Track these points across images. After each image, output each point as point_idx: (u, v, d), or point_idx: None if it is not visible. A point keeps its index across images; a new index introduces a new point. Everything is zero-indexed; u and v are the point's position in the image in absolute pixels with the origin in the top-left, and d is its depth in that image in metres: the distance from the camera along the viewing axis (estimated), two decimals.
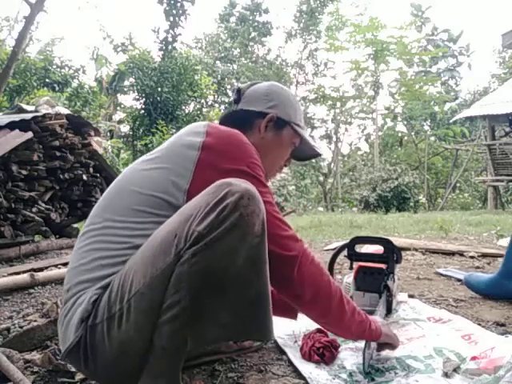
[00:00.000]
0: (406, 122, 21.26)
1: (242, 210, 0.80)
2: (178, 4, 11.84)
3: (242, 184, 0.83)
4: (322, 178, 19.85)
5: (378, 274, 1.62)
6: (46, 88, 10.66)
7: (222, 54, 20.61)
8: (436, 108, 21.05)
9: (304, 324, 1.40)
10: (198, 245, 0.79)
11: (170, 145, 1.04)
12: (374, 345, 1.18)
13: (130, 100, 19.30)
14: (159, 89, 11.96)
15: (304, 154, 1.32)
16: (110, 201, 1.02)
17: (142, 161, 1.07)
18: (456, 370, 1.15)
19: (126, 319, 0.83)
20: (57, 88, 11.03)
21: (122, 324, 0.83)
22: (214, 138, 1.01)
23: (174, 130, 10.99)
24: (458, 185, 18.56)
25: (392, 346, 1.19)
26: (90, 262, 0.93)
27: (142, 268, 0.83)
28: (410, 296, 1.92)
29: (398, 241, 3.38)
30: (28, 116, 3.31)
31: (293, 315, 1.28)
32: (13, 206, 3.12)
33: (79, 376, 1.14)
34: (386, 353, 1.23)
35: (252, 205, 0.82)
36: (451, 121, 16.83)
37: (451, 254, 3.10)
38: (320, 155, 1.33)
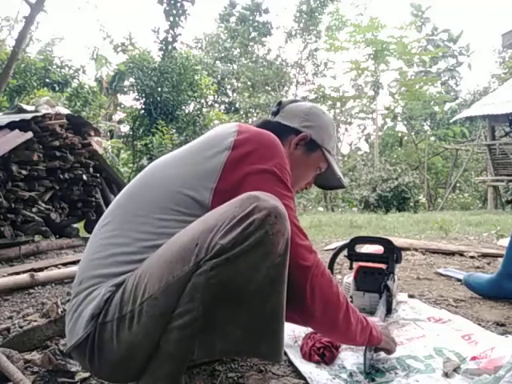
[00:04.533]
0: (406, 122, 21.25)
1: (268, 228, 0.78)
2: (178, 4, 11.82)
3: (270, 200, 0.82)
4: None
5: (378, 274, 1.62)
6: (46, 88, 10.65)
7: (222, 54, 20.60)
8: (436, 108, 21.04)
9: None
10: (218, 258, 0.77)
11: (201, 143, 1.03)
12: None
13: (130, 100, 19.29)
14: (159, 89, 11.95)
15: (328, 182, 1.32)
16: (133, 194, 1.00)
17: (169, 156, 1.06)
18: (456, 369, 1.15)
19: (137, 322, 0.82)
20: (57, 88, 11.02)
21: (132, 326, 0.83)
22: (245, 136, 0.99)
23: (173, 130, 11.00)
24: (457, 185, 18.55)
25: (388, 351, 1.19)
26: (106, 256, 0.91)
27: (159, 272, 0.82)
28: (410, 296, 1.92)
29: (397, 241, 3.38)
30: (28, 116, 3.30)
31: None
32: (13, 205, 3.11)
33: (79, 376, 1.14)
34: (384, 354, 1.23)
35: (278, 223, 0.80)
36: (451, 121, 16.83)
37: (451, 253, 3.10)
38: (344, 187, 1.34)
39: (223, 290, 0.79)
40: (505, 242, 3.49)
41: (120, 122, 16.23)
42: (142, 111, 12.48)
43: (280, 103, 1.26)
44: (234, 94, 20.60)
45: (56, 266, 2.72)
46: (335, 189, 1.40)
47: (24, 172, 3.19)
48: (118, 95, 18.20)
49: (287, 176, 0.99)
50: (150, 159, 9.98)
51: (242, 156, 0.96)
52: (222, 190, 0.92)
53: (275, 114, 1.25)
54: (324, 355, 1.21)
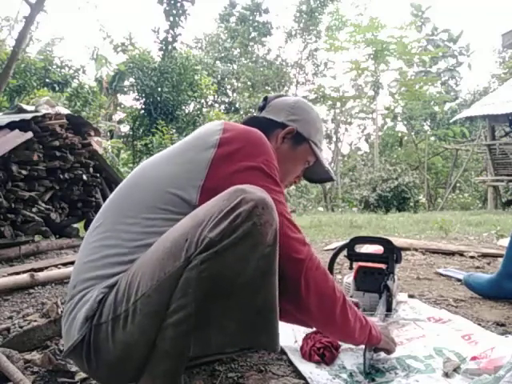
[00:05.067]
0: (406, 122, 21.25)
1: (256, 220, 0.79)
2: (178, 4, 11.84)
3: (257, 192, 0.82)
4: None
5: (377, 274, 1.62)
6: (46, 88, 10.66)
7: (222, 54, 20.61)
8: (436, 108, 21.05)
9: None
10: (208, 251, 0.78)
11: (187, 143, 1.03)
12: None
13: (130, 100, 19.32)
14: (159, 89, 11.96)
15: (316, 175, 1.32)
16: (122, 196, 1.01)
17: (157, 157, 1.07)
18: (456, 369, 1.15)
19: (132, 321, 0.82)
20: (57, 88, 11.03)
21: (127, 325, 0.83)
22: (231, 134, 0.99)
23: (173, 130, 11.00)
24: (457, 185, 18.55)
25: (388, 351, 1.19)
26: (99, 258, 0.91)
27: (151, 270, 0.82)
28: (410, 296, 1.92)
29: (397, 241, 3.38)
30: (28, 116, 3.30)
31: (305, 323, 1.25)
32: (13, 205, 3.11)
33: (79, 376, 1.14)
34: (384, 354, 1.23)
35: (266, 214, 0.80)
36: (451, 121, 16.83)
37: (451, 253, 3.10)
38: (333, 180, 1.34)
39: (215, 284, 0.79)
40: (505, 241, 3.49)
41: (120, 122, 16.24)
42: (142, 111, 12.49)
43: (266, 98, 1.26)
44: (234, 94, 20.61)
45: (56, 266, 2.72)
46: (324, 181, 1.40)
47: (24, 172, 3.19)
48: (118, 95, 18.20)
49: (275, 171, 0.99)
50: None
51: (228, 154, 0.96)
52: (209, 187, 0.93)
53: (261, 109, 1.25)
54: (324, 355, 1.21)
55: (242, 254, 0.79)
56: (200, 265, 0.78)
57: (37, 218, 3.32)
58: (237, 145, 0.98)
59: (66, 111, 4.19)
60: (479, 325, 1.52)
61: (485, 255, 2.99)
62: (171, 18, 11.87)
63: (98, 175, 4.11)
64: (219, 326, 0.84)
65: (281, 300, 0.89)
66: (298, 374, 1.16)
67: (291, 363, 1.23)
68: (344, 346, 1.29)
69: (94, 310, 0.86)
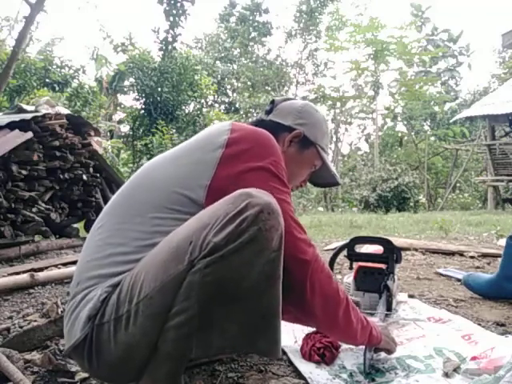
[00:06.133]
0: (406, 122, 21.25)
1: (261, 225, 0.78)
2: (178, 4, 11.84)
3: (263, 196, 0.81)
4: None
5: (377, 274, 1.62)
6: (46, 88, 10.66)
7: (222, 54, 20.61)
8: (436, 108, 21.05)
9: None
10: (212, 256, 0.77)
11: (193, 143, 1.03)
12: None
13: (130, 100, 19.29)
14: (159, 89, 11.96)
15: (322, 179, 1.32)
16: (128, 195, 1.01)
17: (160, 158, 1.06)
18: (456, 369, 1.15)
19: (133, 322, 0.82)
20: (57, 88, 11.03)
21: (128, 326, 0.82)
22: (239, 134, 0.99)
23: (173, 130, 11.00)
24: (457, 185, 18.54)
25: (389, 351, 1.19)
26: (104, 257, 0.91)
27: (154, 271, 0.82)
28: (410, 296, 1.92)
29: (397, 241, 3.38)
30: (28, 116, 3.30)
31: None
32: (13, 205, 3.11)
33: (79, 376, 1.14)
34: (384, 354, 1.23)
35: (272, 219, 0.80)
36: (451, 121, 16.83)
37: (451, 253, 3.10)
38: (339, 184, 1.34)
39: (218, 288, 0.79)
40: (504, 242, 3.49)
41: (120, 122, 16.24)
42: (142, 111, 12.49)
43: (273, 102, 1.26)
44: (234, 94, 20.60)
45: (56, 265, 2.72)
46: (330, 186, 1.39)
47: (24, 172, 3.19)
48: (118, 95, 18.19)
49: (283, 172, 0.99)
50: (150, 159, 9.99)
51: (236, 153, 0.96)
52: (216, 187, 0.92)
53: (268, 112, 1.25)
54: (324, 355, 1.21)
55: (247, 259, 0.79)
56: (204, 269, 0.77)
57: (37, 218, 3.32)
58: (245, 145, 0.98)
59: (66, 111, 4.19)
60: (479, 325, 1.52)
61: (485, 255, 2.99)
62: (171, 18, 11.87)
63: (98, 175, 4.11)
64: (221, 329, 0.84)
65: (284, 301, 0.88)
66: (298, 374, 1.16)
67: (291, 363, 1.23)
68: (344, 346, 1.29)
69: (97, 309, 0.85)
